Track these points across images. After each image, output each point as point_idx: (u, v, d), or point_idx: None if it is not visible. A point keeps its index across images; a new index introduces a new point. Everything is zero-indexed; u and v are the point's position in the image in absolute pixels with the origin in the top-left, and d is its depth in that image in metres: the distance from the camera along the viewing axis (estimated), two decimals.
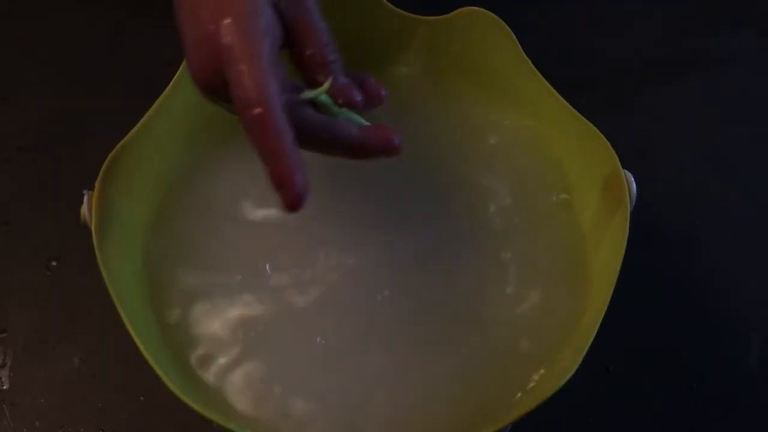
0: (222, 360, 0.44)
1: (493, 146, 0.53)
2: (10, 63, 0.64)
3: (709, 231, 0.57)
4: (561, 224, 0.50)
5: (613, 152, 0.45)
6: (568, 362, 0.39)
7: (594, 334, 0.39)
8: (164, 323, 0.45)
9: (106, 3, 0.64)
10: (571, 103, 0.48)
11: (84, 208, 0.42)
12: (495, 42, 0.51)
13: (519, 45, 0.50)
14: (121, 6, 0.64)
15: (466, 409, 0.44)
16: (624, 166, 0.44)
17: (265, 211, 0.49)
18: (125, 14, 0.64)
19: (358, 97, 0.39)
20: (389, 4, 0.53)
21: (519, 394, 0.43)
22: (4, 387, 0.50)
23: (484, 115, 0.54)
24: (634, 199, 0.43)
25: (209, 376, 0.44)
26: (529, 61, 0.50)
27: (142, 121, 0.46)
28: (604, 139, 0.45)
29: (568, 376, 0.38)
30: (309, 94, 0.38)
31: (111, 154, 0.44)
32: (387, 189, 0.50)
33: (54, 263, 0.54)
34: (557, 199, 0.51)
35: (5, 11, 0.66)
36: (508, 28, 0.50)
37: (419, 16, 0.53)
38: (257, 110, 0.34)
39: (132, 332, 0.39)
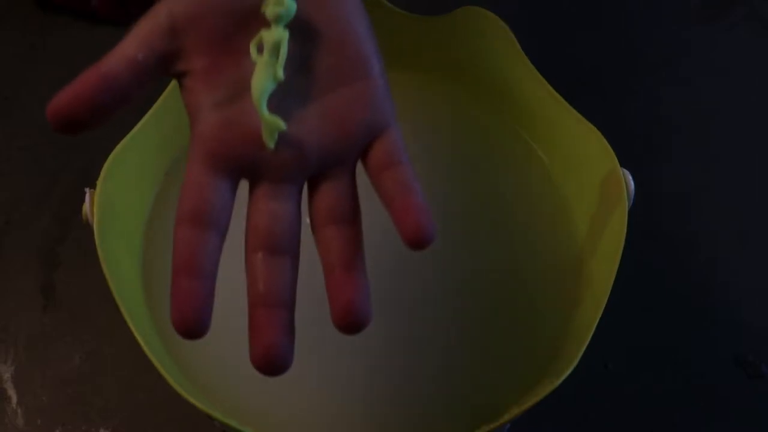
0: (223, 357, 0.44)
1: (491, 145, 0.53)
2: (11, 63, 0.64)
3: (707, 229, 0.57)
4: (558, 223, 0.50)
5: (611, 151, 0.45)
6: (567, 360, 0.39)
7: (592, 332, 0.39)
8: (165, 321, 0.46)
9: (107, 2, 0.64)
10: (569, 102, 0.48)
11: (86, 207, 0.43)
12: (494, 41, 0.51)
13: (518, 44, 0.50)
14: (121, 5, 0.64)
15: (465, 406, 0.44)
16: (622, 165, 0.44)
17: None
18: (126, 13, 0.64)
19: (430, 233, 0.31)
20: (389, 4, 0.53)
21: (518, 392, 0.43)
22: (6, 385, 0.50)
23: (483, 113, 0.54)
24: (632, 197, 0.44)
25: (210, 373, 0.44)
26: (528, 60, 0.50)
27: (143, 120, 0.46)
28: (602, 137, 0.46)
29: (566, 374, 0.38)
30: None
31: (112, 154, 0.44)
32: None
33: (56, 261, 0.54)
34: (555, 197, 0.51)
35: (5, 11, 0.67)
36: (507, 27, 0.50)
37: (419, 16, 0.53)
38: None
39: (133, 330, 0.39)
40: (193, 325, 0.30)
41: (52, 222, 0.56)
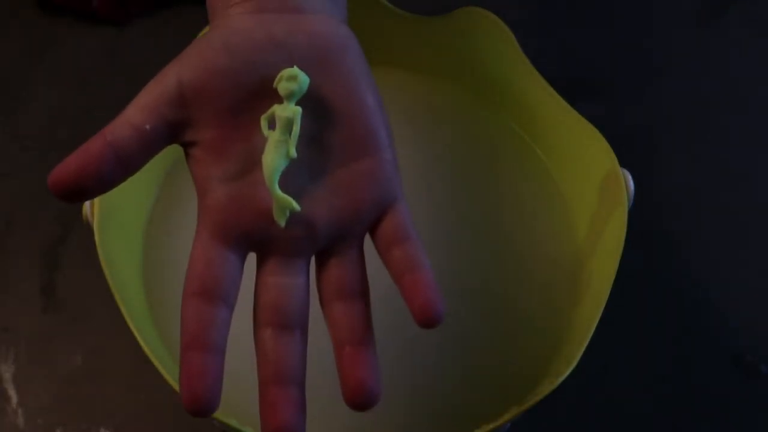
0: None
1: (491, 145, 0.53)
2: (13, 63, 0.64)
3: (707, 229, 0.57)
4: (558, 223, 0.50)
5: (611, 151, 0.45)
6: (567, 360, 0.39)
7: (592, 333, 0.39)
8: (165, 321, 0.46)
9: (108, 2, 0.64)
10: (568, 102, 0.48)
11: (86, 207, 0.43)
12: (494, 41, 0.51)
13: (518, 44, 0.50)
14: (122, 5, 0.64)
15: (465, 406, 0.44)
16: (622, 165, 0.44)
17: None
18: (126, 13, 0.65)
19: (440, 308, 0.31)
20: (388, 4, 0.53)
21: (518, 392, 0.43)
22: (6, 385, 0.50)
23: (482, 114, 0.54)
24: (632, 197, 0.44)
25: None
26: (528, 61, 0.50)
27: None
28: (602, 137, 0.46)
29: (566, 374, 0.38)
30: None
31: None
32: None
33: (57, 262, 0.55)
34: (555, 197, 0.51)
35: (5, 11, 0.67)
36: (507, 27, 0.50)
37: (418, 16, 0.53)
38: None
39: (134, 330, 0.39)
40: (204, 403, 0.30)
41: (54, 222, 0.56)
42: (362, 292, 0.33)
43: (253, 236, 0.32)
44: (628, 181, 0.44)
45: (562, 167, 0.51)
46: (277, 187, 0.31)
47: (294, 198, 0.32)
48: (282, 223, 0.32)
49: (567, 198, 0.51)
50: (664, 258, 0.55)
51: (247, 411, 0.43)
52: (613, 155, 0.45)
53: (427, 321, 0.30)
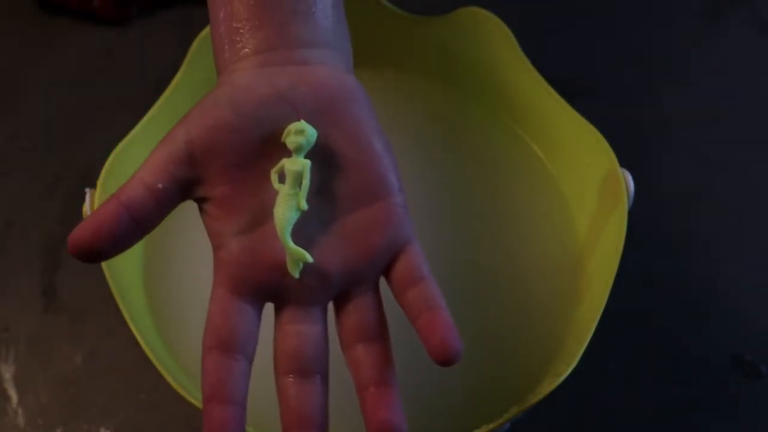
0: None
1: (491, 146, 0.53)
2: (12, 63, 0.64)
3: (707, 229, 0.57)
4: (558, 223, 0.50)
5: (611, 151, 0.45)
6: (567, 360, 0.39)
7: (592, 332, 0.39)
8: (165, 320, 0.46)
9: (108, 2, 0.64)
10: (568, 102, 0.48)
11: (86, 207, 0.43)
12: (494, 41, 0.51)
13: (518, 44, 0.50)
14: (122, 5, 0.64)
15: (465, 406, 0.44)
16: (622, 165, 0.44)
17: None
18: (126, 13, 0.65)
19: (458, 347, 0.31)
20: (388, 4, 0.53)
21: (518, 392, 0.43)
22: (7, 385, 0.50)
23: (483, 114, 0.54)
24: (631, 197, 0.44)
25: None
26: (528, 61, 0.50)
27: (143, 120, 0.46)
28: (602, 137, 0.46)
29: (566, 374, 0.38)
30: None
31: (113, 153, 0.44)
32: None
33: (57, 262, 0.55)
34: (555, 197, 0.51)
35: (5, 11, 0.67)
36: (506, 27, 0.50)
37: (418, 16, 0.53)
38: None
39: (134, 330, 0.39)
40: None
41: (54, 223, 0.56)
42: (381, 333, 0.33)
43: (268, 288, 0.33)
44: (628, 181, 0.44)
45: (562, 167, 0.51)
46: (289, 239, 0.32)
47: (306, 248, 0.32)
48: (296, 274, 0.32)
49: (567, 198, 0.51)
50: (664, 258, 0.55)
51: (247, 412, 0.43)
52: (613, 155, 0.45)
53: (445, 360, 0.31)
